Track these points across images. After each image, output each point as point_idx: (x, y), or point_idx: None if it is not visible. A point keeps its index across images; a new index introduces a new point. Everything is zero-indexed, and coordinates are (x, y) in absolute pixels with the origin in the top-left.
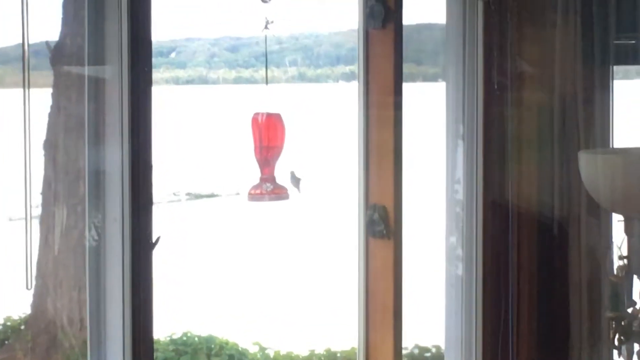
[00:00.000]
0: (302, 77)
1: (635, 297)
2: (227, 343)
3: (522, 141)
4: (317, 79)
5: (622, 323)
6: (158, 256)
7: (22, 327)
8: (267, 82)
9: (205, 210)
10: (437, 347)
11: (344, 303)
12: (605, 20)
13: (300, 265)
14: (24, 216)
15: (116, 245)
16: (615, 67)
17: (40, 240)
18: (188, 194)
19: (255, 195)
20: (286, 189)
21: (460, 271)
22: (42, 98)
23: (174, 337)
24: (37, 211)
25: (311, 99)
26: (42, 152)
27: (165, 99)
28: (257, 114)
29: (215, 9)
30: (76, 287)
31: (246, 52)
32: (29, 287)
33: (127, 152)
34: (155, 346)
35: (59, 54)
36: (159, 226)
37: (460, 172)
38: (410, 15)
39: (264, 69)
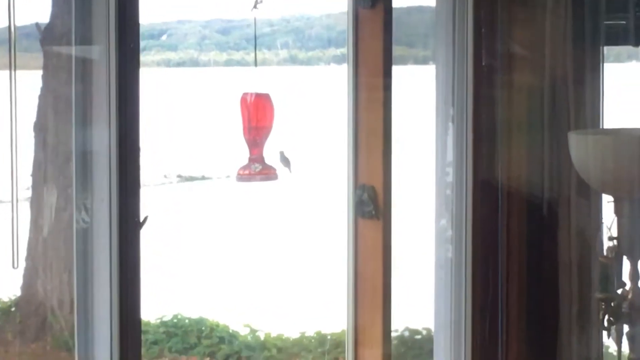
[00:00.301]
0: (293, 60)
1: (624, 278)
2: (217, 325)
3: (512, 123)
4: (308, 62)
5: (612, 304)
6: (149, 239)
7: (12, 309)
8: (256, 64)
9: (196, 192)
10: (428, 330)
11: (334, 285)
12: (596, 0)
13: (290, 246)
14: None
15: (104, 226)
16: (606, 50)
17: (31, 222)
18: (179, 176)
19: (244, 175)
20: (275, 170)
21: (449, 253)
22: (33, 80)
23: (165, 319)
24: (28, 193)
25: (302, 81)
26: (32, 134)
27: (157, 82)
28: (245, 94)
29: None
30: (66, 269)
31: (237, 35)
32: (15, 266)
33: (115, 133)
34: (145, 328)
35: (49, 36)
36: (149, 209)
37: (450, 154)
38: None
39: (255, 52)
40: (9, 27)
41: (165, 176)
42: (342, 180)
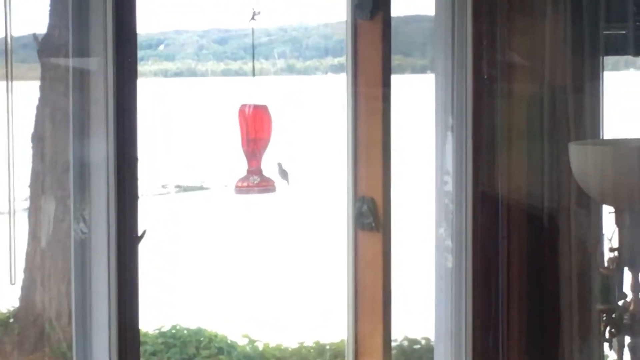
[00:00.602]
0: (290, 69)
1: (626, 289)
2: (216, 336)
3: (512, 132)
4: (305, 71)
5: (613, 316)
6: (147, 248)
7: (11, 320)
8: (254, 74)
9: (194, 203)
10: (427, 339)
11: (333, 295)
12: (595, 10)
13: (290, 258)
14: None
15: (102, 239)
16: (605, 58)
17: (29, 234)
18: (177, 186)
19: (242, 187)
20: (273, 182)
21: (449, 263)
22: (31, 91)
23: (163, 329)
24: (26, 204)
25: (300, 91)
26: (30, 145)
27: (154, 92)
28: (244, 106)
29: (203, 1)
30: (65, 280)
31: (235, 44)
32: (13, 282)
33: (113, 145)
34: (144, 339)
35: (46, 47)
36: (148, 219)
37: (449, 164)
38: (399, 7)
39: (252, 61)
40: (6, 37)
41: (163, 186)
42: (341, 192)
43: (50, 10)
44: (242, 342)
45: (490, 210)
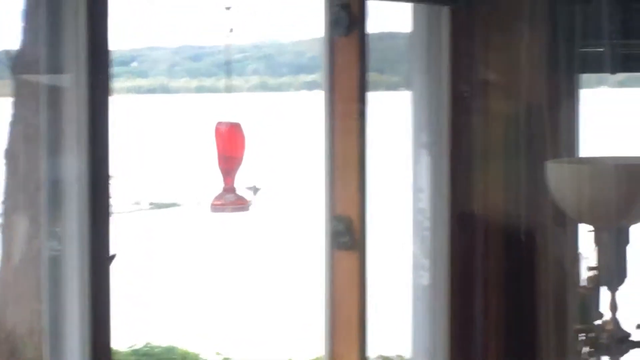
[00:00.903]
0: (264, 86)
1: (603, 308)
2: (188, 353)
3: (489, 150)
4: (279, 88)
5: (591, 335)
6: (120, 265)
7: None
8: (228, 91)
9: (167, 219)
10: (400, 357)
11: (308, 314)
12: (571, 28)
13: (265, 276)
14: None
15: (74, 258)
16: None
17: (2, 251)
18: (150, 203)
19: (217, 206)
20: (247, 200)
21: (426, 281)
22: (4, 107)
23: (136, 347)
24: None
25: (273, 107)
26: (3, 162)
27: (127, 108)
28: (219, 124)
29: (177, 17)
30: (38, 297)
31: (208, 61)
32: None
33: (85, 163)
34: (116, 357)
35: (19, 63)
36: (121, 236)
37: (425, 182)
38: (375, 24)
39: (226, 78)
40: None
41: (136, 203)
42: (317, 210)
43: (23, 27)
44: (215, 359)
45: (467, 228)
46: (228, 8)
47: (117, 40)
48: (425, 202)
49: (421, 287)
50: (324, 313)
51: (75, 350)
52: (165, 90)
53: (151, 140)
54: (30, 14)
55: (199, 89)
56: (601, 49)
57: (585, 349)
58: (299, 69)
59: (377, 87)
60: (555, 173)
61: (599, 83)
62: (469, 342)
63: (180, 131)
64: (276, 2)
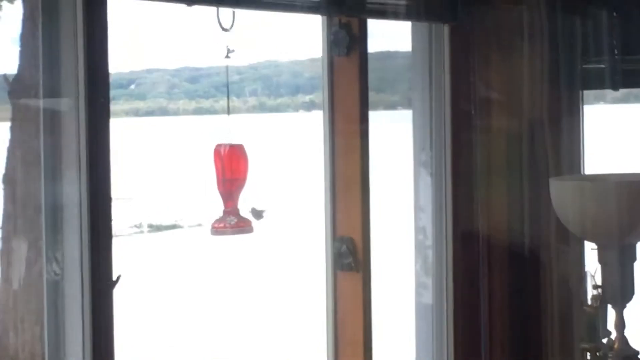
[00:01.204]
0: (262, 107)
1: (610, 326)
2: None
3: (492, 168)
4: (277, 109)
5: (597, 354)
6: (122, 289)
7: None
8: (229, 112)
9: (167, 242)
10: None
11: (313, 337)
12: (573, 44)
13: (269, 298)
14: None
15: (75, 283)
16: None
17: (1, 276)
18: (150, 225)
19: (219, 229)
20: (250, 222)
21: (429, 300)
22: (2, 132)
23: None
24: None
25: (272, 128)
26: (2, 187)
27: (126, 131)
28: (219, 146)
29: (174, 40)
30: (38, 322)
31: (206, 83)
32: None
33: (86, 187)
34: None
35: (17, 87)
36: (121, 259)
37: (427, 200)
38: (375, 43)
39: (224, 99)
40: None
41: (136, 226)
42: (320, 232)
43: (21, 51)
44: None
45: (470, 247)
46: (226, 28)
47: (116, 63)
48: (427, 221)
49: (424, 306)
50: (327, 335)
51: None
52: (164, 112)
53: (151, 163)
54: (27, 38)
55: (198, 111)
56: (602, 65)
57: None
58: (297, 90)
59: (378, 106)
60: (558, 190)
61: (600, 99)
62: None
63: (180, 153)
64: (272, 23)
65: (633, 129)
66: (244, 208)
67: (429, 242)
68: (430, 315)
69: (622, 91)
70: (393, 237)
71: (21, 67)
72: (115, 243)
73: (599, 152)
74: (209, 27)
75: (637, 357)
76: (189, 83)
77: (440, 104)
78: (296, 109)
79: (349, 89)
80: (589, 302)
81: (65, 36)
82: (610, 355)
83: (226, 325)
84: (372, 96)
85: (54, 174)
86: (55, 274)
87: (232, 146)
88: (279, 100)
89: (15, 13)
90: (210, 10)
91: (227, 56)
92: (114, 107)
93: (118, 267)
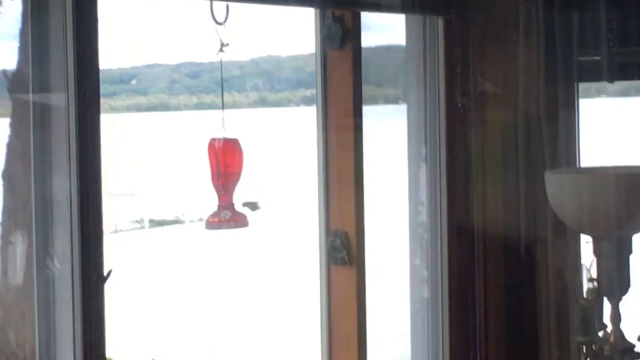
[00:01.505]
0: (263, 102)
1: (605, 320)
2: None
3: (487, 162)
4: (278, 103)
5: (593, 347)
6: (122, 285)
7: None
8: (223, 107)
9: (168, 237)
10: None
11: (307, 331)
12: (568, 37)
13: (263, 292)
14: None
15: (66, 278)
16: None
17: (1, 271)
18: (151, 221)
19: (214, 223)
20: (245, 217)
21: (425, 294)
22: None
23: None
24: None
25: (273, 123)
26: (1, 182)
27: (128, 127)
28: (213, 140)
29: (174, 34)
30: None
31: (207, 78)
32: None
33: (76, 182)
34: None
35: (16, 83)
36: (120, 255)
37: (423, 194)
38: (369, 37)
39: (225, 94)
40: None
41: (137, 221)
42: (314, 226)
43: (20, 47)
44: None
45: (466, 240)
46: (219, 22)
47: (116, 59)
48: (423, 215)
49: (420, 300)
50: (320, 329)
51: None
52: (165, 107)
53: (154, 158)
54: (25, 33)
55: (199, 106)
56: (598, 58)
57: None
58: (298, 84)
59: (375, 100)
60: (554, 183)
61: (601, 92)
62: (469, 355)
63: (181, 147)
64: (272, 17)
65: (632, 123)
66: (239, 202)
67: (424, 236)
68: (425, 308)
69: (624, 84)
70: (388, 231)
71: (19, 62)
72: (116, 239)
73: (598, 145)
74: (203, 22)
75: (633, 350)
76: (190, 78)
77: (434, 97)
78: (297, 103)
79: (342, 83)
80: (585, 295)
81: (54, 29)
82: (605, 348)
83: (221, 320)
84: (371, 90)
85: (45, 169)
86: (47, 269)
87: (226, 140)
88: (280, 95)
89: (15, 9)
90: (204, 4)
91: (221, 50)
92: (115, 102)
93: (116, 262)
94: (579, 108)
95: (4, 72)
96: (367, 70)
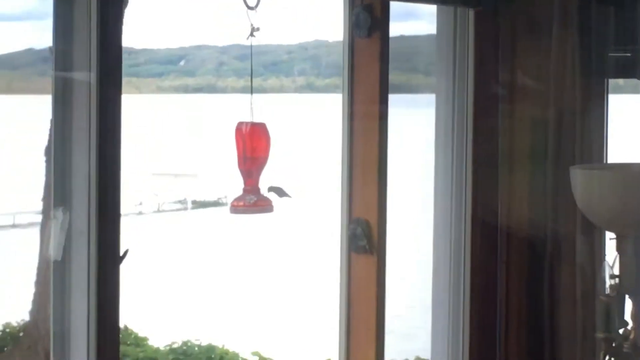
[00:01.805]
0: (310, 87)
1: (627, 317)
2: (227, 353)
3: (514, 155)
4: (325, 89)
5: (613, 344)
6: (160, 265)
7: (21, 334)
8: (252, 92)
9: (209, 219)
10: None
11: (327, 318)
12: (602, 31)
13: (286, 278)
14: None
15: (82, 259)
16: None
17: (41, 247)
18: (194, 202)
19: (238, 207)
20: (270, 201)
21: (447, 287)
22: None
23: (174, 346)
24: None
25: (316, 108)
26: (44, 159)
27: (175, 107)
28: (240, 124)
29: (224, 17)
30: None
31: (255, 61)
32: None
33: (95, 160)
34: (154, 355)
35: (61, 60)
36: (164, 234)
37: (447, 186)
38: (399, 26)
39: (273, 78)
40: None
41: (180, 201)
42: (337, 213)
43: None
44: None
45: (489, 233)
46: (251, 7)
47: (166, 39)
48: (446, 207)
49: (441, 292)
50: (340, 319)
51: (82, 350)
52: (212, 89)
53: (197, 140)
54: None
55: (246, 89)
56: (628, 54)
57: (608, 358)
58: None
59: (402, 89)
60: (581, 179)
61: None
62: (488, 347)
63: (226, 130)
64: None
65: None
66: (265, 187)
67: (448, 227)
68: (447, 300)
69: None
70: (411, 221)
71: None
72: (156, 219)
73: (626, 142)
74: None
75: None
76: (238, 61)
77: (463, 89)
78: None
79: (369, 71)
80: (606, 291)
81: (79, 8)
82: (625, 345)
83: (244, 303)
84: (399, 79)
85: (63, 146)
86: (63, 246)
87: (253, 124)
88: (327, 81)
89: None
90: None
91: (251, 34)
92: (163, 83)
93: (154, 242)
94: (608, 104)
95: (50, 49)
96: (396, 59)
